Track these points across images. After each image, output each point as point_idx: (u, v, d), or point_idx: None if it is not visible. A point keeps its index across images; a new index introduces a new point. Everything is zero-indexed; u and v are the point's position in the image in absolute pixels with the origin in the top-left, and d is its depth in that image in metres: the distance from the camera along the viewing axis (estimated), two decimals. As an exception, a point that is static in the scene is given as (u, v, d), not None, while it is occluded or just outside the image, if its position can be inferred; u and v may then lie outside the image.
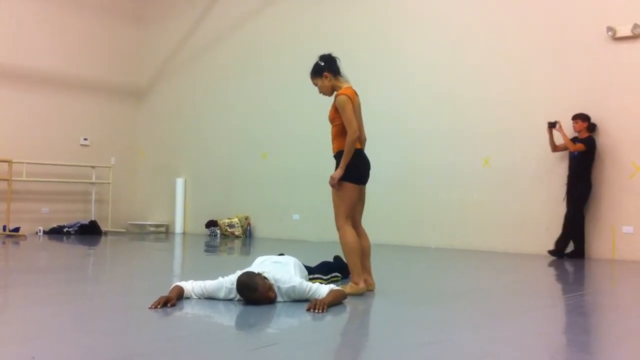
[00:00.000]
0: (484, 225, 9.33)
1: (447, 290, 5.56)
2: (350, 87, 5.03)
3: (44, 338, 3.46)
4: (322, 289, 4.42)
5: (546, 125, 8.58)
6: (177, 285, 4.51)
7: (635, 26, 8.28)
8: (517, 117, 9.08)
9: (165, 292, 4.41)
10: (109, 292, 5.26)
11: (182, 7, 13.17)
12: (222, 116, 12.46)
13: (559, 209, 8.74)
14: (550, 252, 8.47)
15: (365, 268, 5.06)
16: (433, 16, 10.05)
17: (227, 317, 4.17)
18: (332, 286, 4.54)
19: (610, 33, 8.47)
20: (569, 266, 7.64)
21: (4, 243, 9.60)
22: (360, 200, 5.09)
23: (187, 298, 4.51)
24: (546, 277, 7.07)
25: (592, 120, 8.46)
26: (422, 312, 4.50)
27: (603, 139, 8.50)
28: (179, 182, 12.87)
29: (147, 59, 13.63)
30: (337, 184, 4.90)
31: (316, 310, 4.14)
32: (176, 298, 4.35)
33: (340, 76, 5.08)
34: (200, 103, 12.80)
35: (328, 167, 5.39)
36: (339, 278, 5.61)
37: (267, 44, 11.87)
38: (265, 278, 4.39)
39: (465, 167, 9.57)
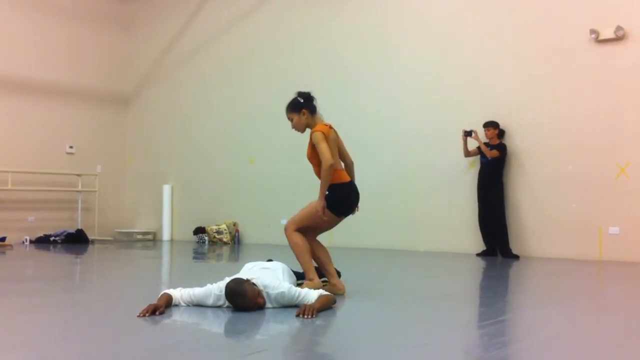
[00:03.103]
0: (472, 228, 9.35)
1: (436, 293, 5.57)
2: (324, 124, 5.16)
3: (31, 347, 3.43)
4: (311, 295, 4.42)
5: (462, 133, 9.07)
6: (165, 293, 4.49)
7: (618, 28, 8.35)
8: (504, 119, 9.12)
9: (153, 300, 4.38)
10: (97, 300, 5.23)
11: (168, 13, 13.13)
12: (209, 122, 12.43)
13: (544, 212, 8.82)
14: (480, 254, 9.05)
15: (332, 273, 5.22)
16: (424, 21, 10.08)
17: (215, 324, 4.15)
18: (321, 291, 4.54)
19: (593, 35, 8.54)
20: (554, 267, 7.69)
21: (-11, 253, 9.52)
22: (330, 227, 5.29)
23: (176, 305, 4.49)
24: (534, 277, 7.11)
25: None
26: (411, 314, 4.51)
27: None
28: (166, 189, 12.81)
29: (133, 66, 13.58)
30: (322, 210, 5.01)
31: (306, 316, 4.14)
32: (165, 306, 4.33)
33: (316, 115, 5.22)
34: (187, 109, 12.76)
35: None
36: (327, 283, 5.61)
37: (254, 49, 11.86)
38: (253, 284, 4.38)
39: (452, 170, 9.61)
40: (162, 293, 4.50)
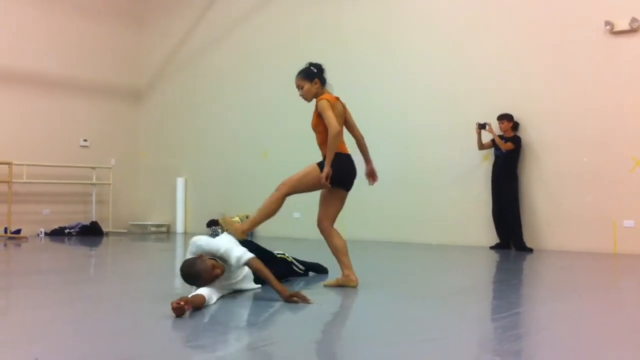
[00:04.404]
0: (486, 221, 9.32)
1: (449, 286, 5.57)
2: (331, 94, 5.18)
3: (45, 341, 3.46)
4: (236, 250, 4.51)
5: (476, 126, 9.07)
6: (198, 294, 4.22)
7: (633, 20, 8.27)
8: (518, 111, 9.07)
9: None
10: (111, 293, 5.26)
11: (181, 8, 13.16)
12: (222, 115, 12.46)
13: (559, 205, 8.78)
14: (493, 247, 9.04)
15: (347, 264, 5.20)
16: (433, 13, 10.05)
17: (225, 316, 4.16)
18: (244, 252, 4.57)
19: (608, 27, 8.46)
20: (568, 260, 7.65)
21: (5, 245, 9.61)
22: (340, 203, 5.30)
23: (206, 307, 4.25)
24: (548, 271, 7.08)
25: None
26: (424, 307, 4.51)
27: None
28: (180, 182, 12.87)
29: (146, 60, 13.62)
30: (328, 181, 5.00)
31: (302, 301, 4.33)
32: (191, 308, 4.01)
33: (326, 87, 5.24)
34: (200, 102, 12.80)
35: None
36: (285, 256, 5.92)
37: (266, 42, 11.87)
38: (207, 258, 4.44)
39: (466, 163, 9.58)
40: (195, 293, 4.23)
